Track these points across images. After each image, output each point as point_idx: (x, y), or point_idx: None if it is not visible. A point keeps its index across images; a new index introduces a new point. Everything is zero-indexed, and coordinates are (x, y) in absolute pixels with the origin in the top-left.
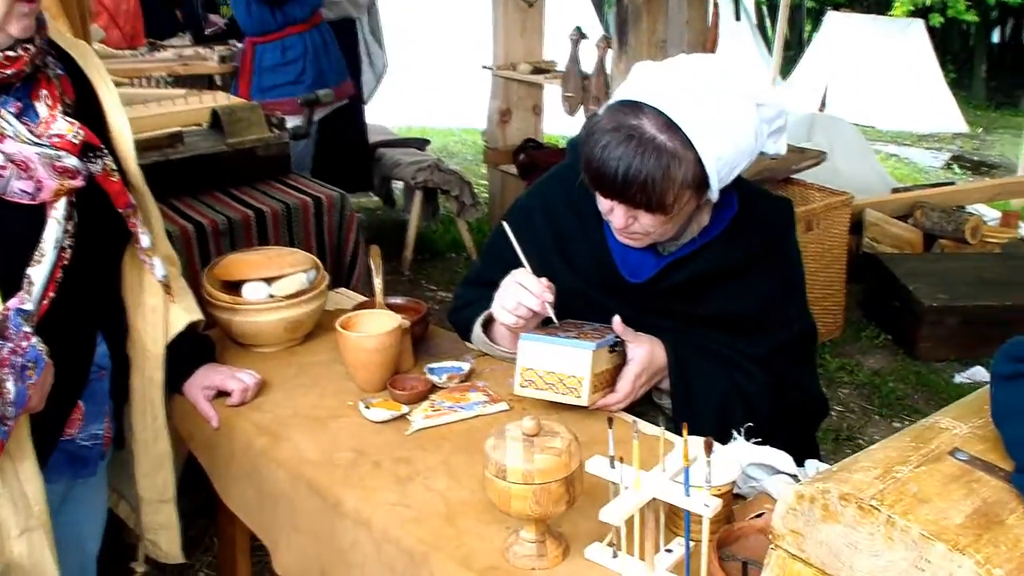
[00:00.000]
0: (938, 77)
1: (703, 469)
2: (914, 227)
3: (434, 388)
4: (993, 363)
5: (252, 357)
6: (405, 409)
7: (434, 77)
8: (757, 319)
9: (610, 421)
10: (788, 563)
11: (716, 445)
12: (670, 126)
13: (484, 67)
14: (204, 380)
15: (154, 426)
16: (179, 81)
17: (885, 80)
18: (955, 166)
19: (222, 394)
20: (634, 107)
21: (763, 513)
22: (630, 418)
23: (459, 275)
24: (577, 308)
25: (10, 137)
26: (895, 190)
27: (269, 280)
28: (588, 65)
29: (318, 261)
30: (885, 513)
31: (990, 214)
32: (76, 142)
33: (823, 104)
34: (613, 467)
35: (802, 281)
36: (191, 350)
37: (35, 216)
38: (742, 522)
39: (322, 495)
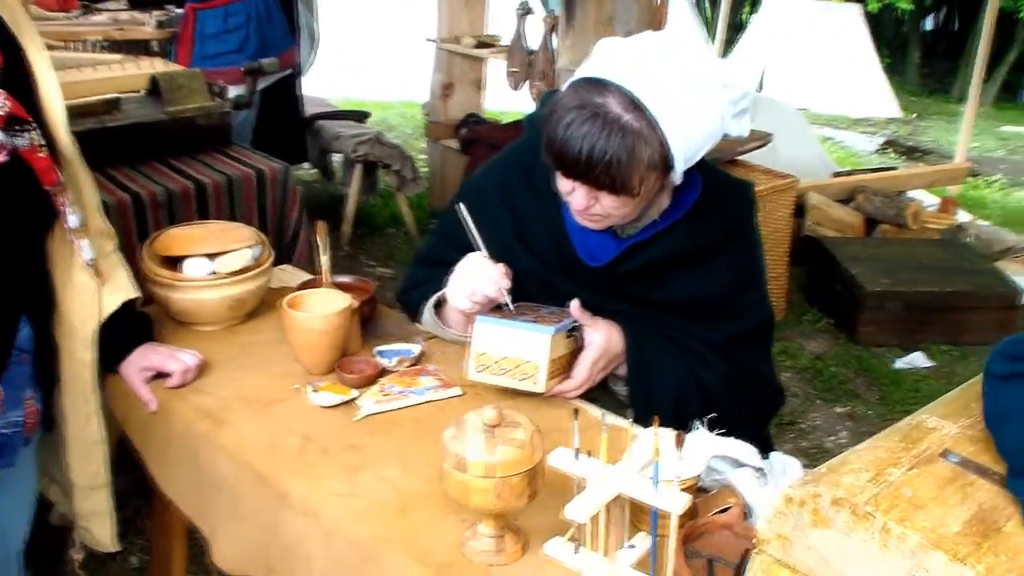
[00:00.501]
0: (873, 62)
1: (673, 464)
2: (856, 211)
3: (383, 372)
4: (988, 362)
5: (193, 336)
6: (354, 393)
7: (374, 49)
8: (717, 305)
9: (575, 412)
10: (774, 569)
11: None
12: (636, 106)
13: (428, 40)
14: (142, 360)
15: (86, 410)
16: (114, 46)
17: (821, 64)
18: (889, 151)
19: (161, 375)
20: (599, 85)
21: (729, 507)
22: (598, 410)
23: (399, 251)
24: (533, 291)
25: None
26: (836, 174)
27: (212, 256)
28: (533, 40)
29: (263, 237)
30: (880, 519)
31: (928, 200)
32: (2, 114)
33: (760, 86)
34: (577, 459)
35: (763, 267)
36: (127, 329)
37: None
38: (707, 517)
39: (267, 484)
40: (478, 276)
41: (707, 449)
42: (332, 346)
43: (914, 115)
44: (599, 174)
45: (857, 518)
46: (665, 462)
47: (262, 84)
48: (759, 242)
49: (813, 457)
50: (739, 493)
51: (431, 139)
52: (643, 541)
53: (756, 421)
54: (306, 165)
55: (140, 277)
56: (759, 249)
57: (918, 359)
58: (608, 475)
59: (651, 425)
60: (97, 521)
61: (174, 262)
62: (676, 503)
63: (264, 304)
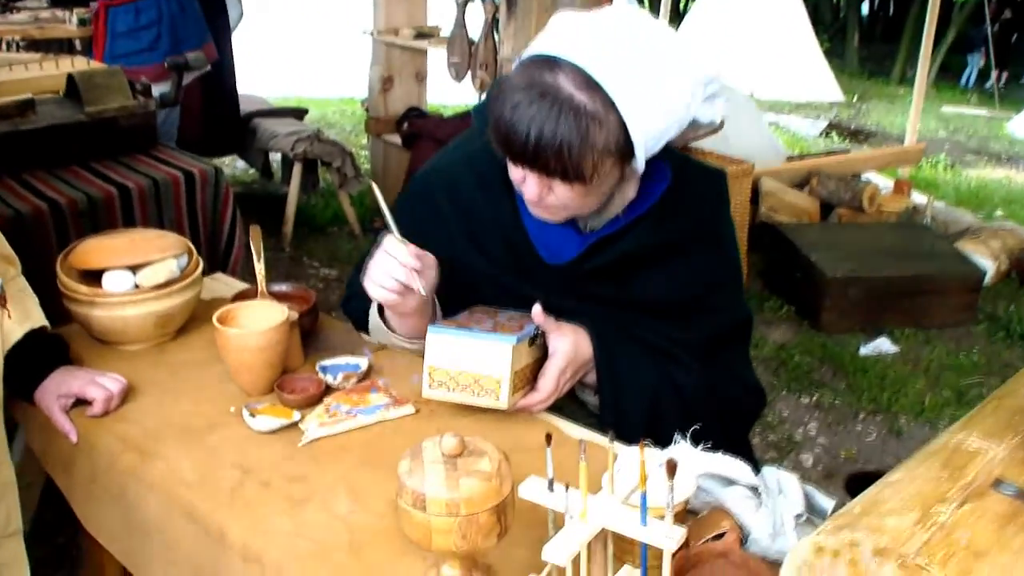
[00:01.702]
0: (813, 46)
1: (664, 492)
2: (811, 196)
3: (328, 389)
4: None
5: (116, 357)
6: (296, 416)
7: (309, 44)
8: (692, 304)
9: (548, 438)
10: None
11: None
12: (590, 84)
13: (364, 32)
14: (60, 387)
15: None
16: (34, 46)
17: (762, 49)
18: (833, 134)
19: (81, 402)
20: (549, 63)
21: (723, 533)
22: (571, 428)
23: (342, 250)
24: (490, 296)
25: None
26: (789, 159)
27: (134, 268)
28: (475, 30)
29: (190, 245)
30: (937, 574)
31: (882, 183)
32: None
33: None
34: (552, 490)
35: (738, 261)
36: (39, 353)
37: None
38: (699, 546)
39: (202, 524)
40: (388, 260)
41: (694, 466)
42: (270, 364)
43: (855, 98)
44: (549, 160)
45: (907, 573)
46: (654, 490)
47: (186, 80)
48: (734, 235)
49: (783, 450)
50: (733, 515)
51: (372, 135)
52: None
53: (737, 428)
54: (243, 165)
55: (57, 294)
56: (734, 242)
57: (883, 344)
58: (589, 508)
59: (632, 443)
60: (10, 572)
61: (94, 276)
62: (670, 539)
63: (195, 319)
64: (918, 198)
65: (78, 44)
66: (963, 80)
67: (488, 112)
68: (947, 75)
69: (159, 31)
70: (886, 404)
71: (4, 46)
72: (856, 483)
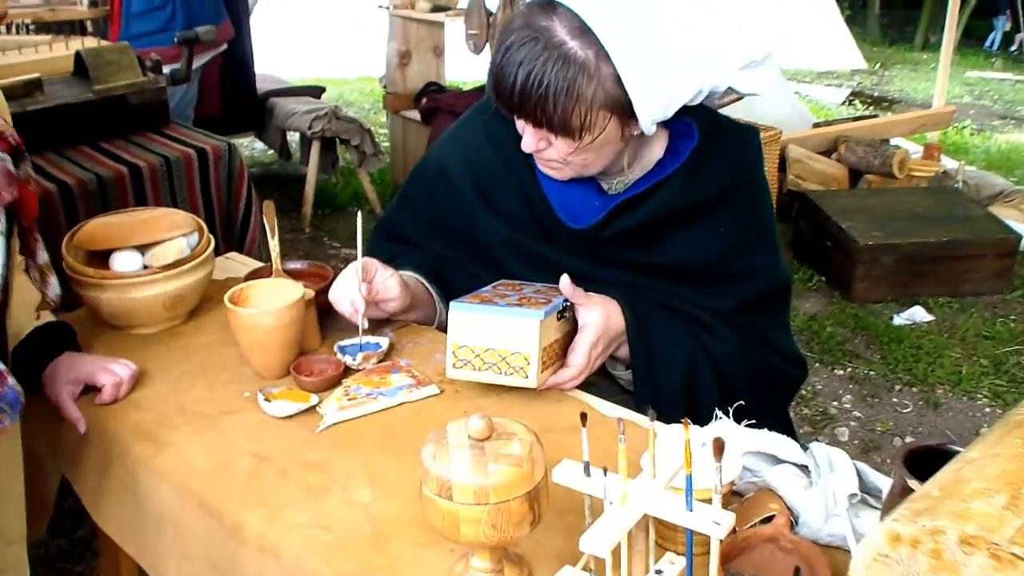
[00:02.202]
0: (835, 14)
1: (707, 474)
2: (839, 163)
3: (347, 371)
4: None
5: (126, 341)
6: (314, 399)
7: (325, 23)
8: (723, 268)
9: (583, 418)
10: None
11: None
12: (584, 31)
13: (380, 6)
14: (67, 373)
15: None
16: (44, 28)
17: (783, 18)
18: (856, 102)
19: (90, 389)
20: (548, 6)
21: (772, 516)
22: (607, 407)
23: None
24: (507, 260)
25: None
26: (816, 125)
27: (142, 248)
28: (493, 2)
29: (201, 222)
30: None
31: (911, 148)
32: (13, 142)
33: None
34: (588, 475)
35: (773, 223)
36: (46, 341)
37: None
38: (746, 530)
39: (217, 516)
40: (342, 291)
41: (738, 444)
42: (285, 345)
43: (878, 65)
44: (535, 108)
45: (1001, 563)
46: (698, 472)
47: (202, 59)
48: (767, 194)
49: (817, 425)
50: (781, 497)
51: (390, 111)
52: (671, 567)
53: (777, 401)
54: (261, 146)
55: (64, 277)
56: (768, 202)
57: (917, 314)
58: (630, 494)
59: (668, 420)
60: None
61: (101, 257)
62: (719, 524)
63: (208, 300)
64: (948, 163)
65: (89, 26)
66: (988, 43)
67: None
68: (970, 40)
69: (173, 10)
70: (922, 375)
71: (14, 29)
72: (916, 460)
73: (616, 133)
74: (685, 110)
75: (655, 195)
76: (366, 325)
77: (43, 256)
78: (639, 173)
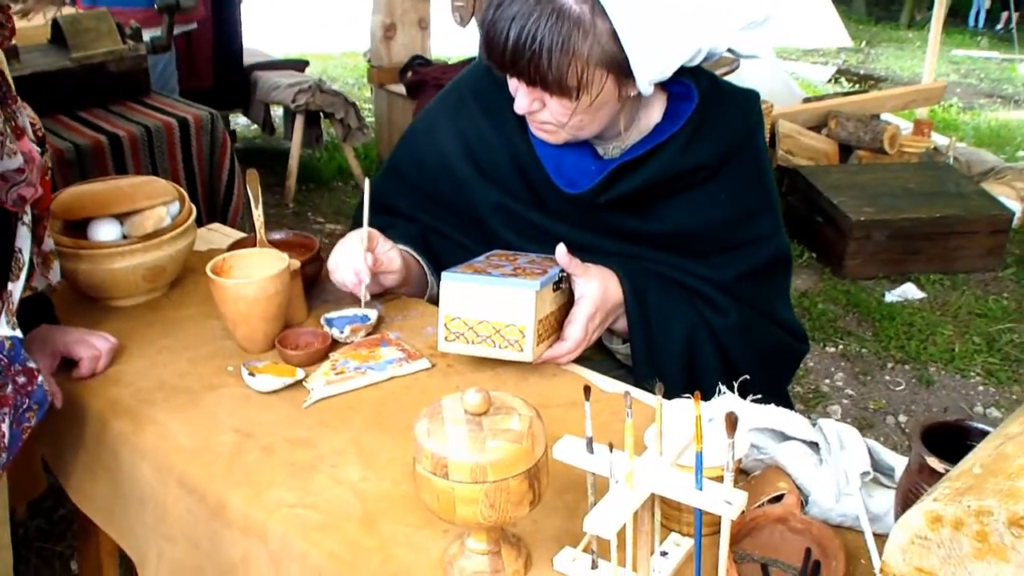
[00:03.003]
0: None
1: (716, 451)
2: (829, 138)
3: (334, 344)
4: None
5: (105, 314)
6: (300, 374)
7: None
8: (725, 237)
9: (587, 391)
10: None
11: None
12: None
13: None
14: (43, 346)
15: None
16: None
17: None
18: (842, 79)
19: (68, 363)
20: None
21: (781, 495)
22: (609, 383)
23: (348, 204)
24: (500, 227)
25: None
26: (806, 100)
27: (121, 217)
28: None
29: (182, 191)
30: None
31: (901, 123)
32: (41, 133)
33: None
34: (592, 451)
35: (774, 190)
36: (22, 312)
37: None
38: (755, 510)
39: (199, 495)
40: (342, 260)
41: (745, 420)
42: (270, 317)
43: (863, 43)
44: (528, 65)
45: None
46: (709, 450)
47: (181, 29)
48: (767, 161)
49: (810, 403)
50: (790, 475)
51: (375, 85)
52: (677, 549)
53: (778, 375)
54: (245, 121)
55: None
56: (768, 168)
57: (909, 291)
58: (636, 472)
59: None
60: None
61: (79, 227)
62: (731, 505)
63: (189, 271)
64: (939, 139)
65: None
66: (971, 21)
67: None
68: (954, 19)
69: None
70: (914, 353)
71: None
72: (934, 436)
73: (613, 93)
74: (684, 72)
75: (654, 159)
76: (367, 297)
77: (49, 243)
78: (636, 137)
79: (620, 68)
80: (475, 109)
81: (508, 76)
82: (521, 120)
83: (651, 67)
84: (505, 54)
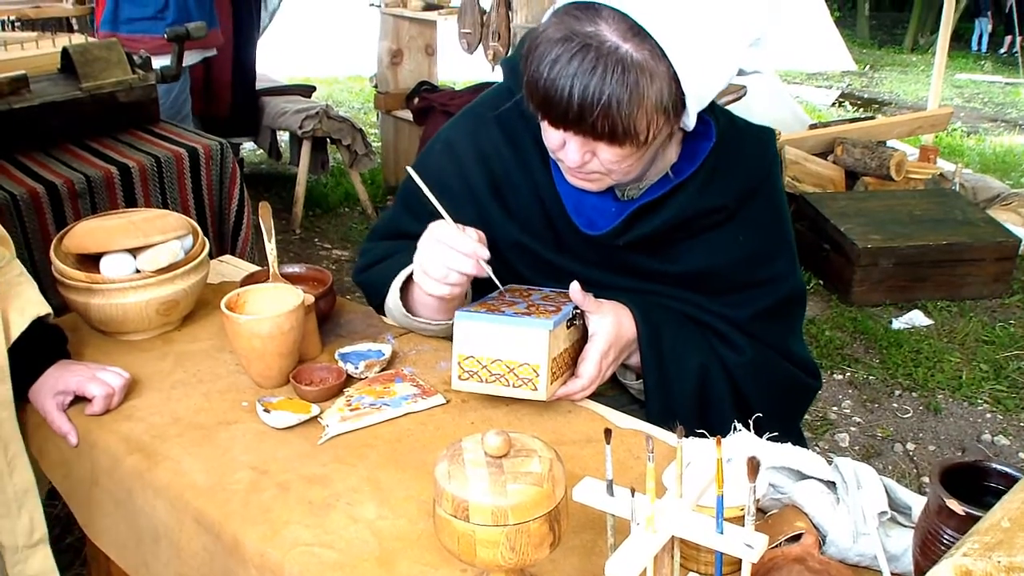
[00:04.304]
0: (824, 15)
1: (735, 492)
2: (835, 164)
3: (349, 380)
4: None
5: (118, 349)
6: (315, 410)
7: (313, 21)
8: (740, 276)
9: (607, 434)
10: None
11: (749, 451)
12: (636, 31)
13: (371, 4)
14: (56, 384)
15: (5, 456)
16: (29, 25)
17: (772, 18)
18: (846, 103)
19: (81, 399)
20: (588, 9)
21: (800, 535)
22: (633, 422)
23: (354, 230)
24: (519, 266)
25: None
26: (812, 126)
27: (134, 251)
28: None
29: (195, 225)
30: None
31: (907, 149)
32: None
33: None
34: (612, 494)
35: (790, 229)
36: (35, 347)
37: None
38: (772, 549)
39: (215, 533)
40: (447, 251)
41: (763, 459)
42: (284, 353)
43: (867, 67)
44: (596, 120)
45: None
46: (730, 489)
47: (193, 59)
48: (784, 199)
49: (817, 430)
50: (807, 514)
51: (382, 111)
52: None
53: (791, 412)
54: (251, 145)
55: (53, 281)
56: (785, 207)
57: (916, 317)
58: (657, 515)
59: (689, 434)
60: None
61: (92, 261)
62: (752, 548)
63: (202, 305)
64: (945, 165)
65: (75, 23)
66: (974, 45)
67: (521, 70)
68: (957, 43)
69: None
70: (922, 380)
71: None
72: (953, 477)
73: (665, 134)
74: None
75: (673, 200)
76: (496, 279)
77: None
78: (654, 177)
79: (676, 108)
80: (500, 139)
81: (564, 130)
82: (544, 154)
83: (699, 102)
84: (570, 113)
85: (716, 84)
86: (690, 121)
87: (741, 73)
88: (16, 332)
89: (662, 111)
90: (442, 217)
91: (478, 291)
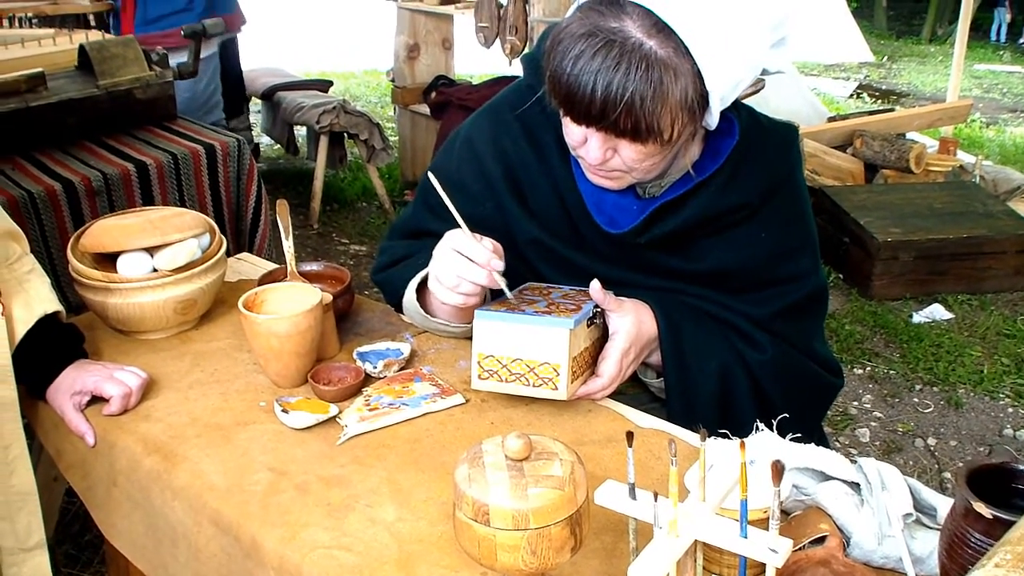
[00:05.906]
0: (842, 7)
1: (758, 495)
2: (854, 157)
3: (367, 379)
4: None
5: (135, 348)
6: (333, 410)
7: (330, 16)
8: (763, 275)
9: (629, 437)
10: None
11: (773, 453)
12: (660, 28)
13: None
14: (73, 384)
15: (6, 458)
16: (47, 22)
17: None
18: (864, 95)
19: (98, 399)
20: (613, 5)
21: (824, 537)
22: (654, 422)
23: (372, 225)
24: (539, 264)
25: None
26: (831, 119)
27: (151, 250)
28: None
29: (212, 223)
30: None
31: (926, 141)
32: None
33: None
34: (634, 497)
35: (813, 226)
36: (52, 345)
37: None
38: (796, 552)
39: (233, 535)
40: (460, 260)
41: (787, 460)
42: (302, 352)
43: (885, 58)
44: (619, 116)
45: None
46: (755, 494)
47: (210, 49)
48: (807, 197)
49: (838, 425)
50: (831, 516)
51: (399, 105)
52: None
53: (813, 411)
54: (268, 140)
55: (70, 280)
56: (807, 204)
57: (937, 311)
58: (680, 519)
59: (711, 433)
60: None
61: (109, 260)
62: (776, 553)
63: (220, 304)
64: (965, 157)
65: (92, 19)
66: (992, 35)
67: (543, 66)
68: (976, 33)
69: None
70: (943, 374)
71: (17, 22)
72: (980, 479)
73: (689, 132)
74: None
75: (695, 198)
76: (508, 290)
77: None
78: (676, 175)
79: (700, 106)
80: (520, 135)
81: (586, 127)
82: (564, 151)
83: (723, 100)
84: (592, 109)
85: (740, 83)
86: (713, 120)
87: (765, 73)
88: (22, 329)
89: (686, 109)
90: (459, 225)
91: (496, 295)
